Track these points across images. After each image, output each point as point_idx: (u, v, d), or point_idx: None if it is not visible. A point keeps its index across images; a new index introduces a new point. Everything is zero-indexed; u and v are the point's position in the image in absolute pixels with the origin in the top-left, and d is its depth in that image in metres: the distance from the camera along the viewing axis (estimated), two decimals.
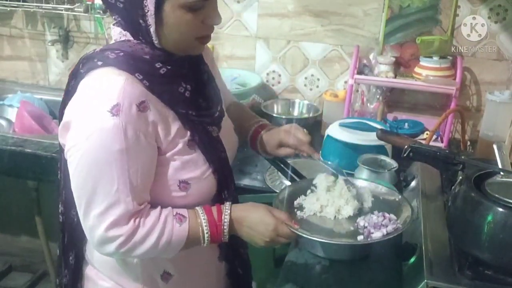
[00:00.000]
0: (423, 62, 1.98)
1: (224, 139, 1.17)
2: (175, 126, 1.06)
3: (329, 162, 1.67)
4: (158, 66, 1.03)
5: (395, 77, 2.00)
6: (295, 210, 1.26)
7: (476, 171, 1.21)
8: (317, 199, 1.25)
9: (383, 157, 1.66)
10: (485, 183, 1.15)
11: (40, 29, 2.46)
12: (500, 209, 1.07)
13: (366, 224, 1.18)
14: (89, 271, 1.21)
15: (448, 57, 1.98)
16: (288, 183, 1.49)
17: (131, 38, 1.04)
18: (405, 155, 1.41)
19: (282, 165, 1.44)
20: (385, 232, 1.15)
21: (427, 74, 1.95)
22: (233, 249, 1.25)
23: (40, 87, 2.52)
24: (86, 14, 2.16)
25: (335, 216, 1.22)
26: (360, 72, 2.03)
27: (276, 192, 1.56)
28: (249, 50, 2.25)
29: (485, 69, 2.04)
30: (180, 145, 1.07)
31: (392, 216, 1.20)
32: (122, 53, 1.01)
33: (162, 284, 1.17)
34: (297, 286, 1.24)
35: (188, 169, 1.08)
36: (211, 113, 1.13)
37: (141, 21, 0.99)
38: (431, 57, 1.96)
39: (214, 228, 1.07)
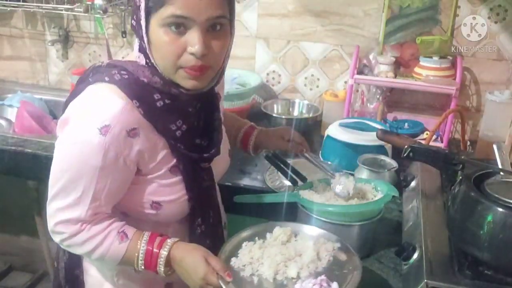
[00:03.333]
0: (423, 62, 1.98)
1: (215, 164, 1.20)
2: (162, 153, 1.10)
3: (329, 163, 1.67)
4: (156, 98, 1.05)
5: (395, 77, 2.00)
6: (233, 257, 1.14)
7: (476, 171, 1.21)
8: (249, 251, 1.15)
9: (383, 157, 1.66)
10: (485, 183, 1.16)
11: (40, 29, 2.46)
12: (500, 209, 1.07)
13: None
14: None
15: (448, 57, 1.98)
16: (288, 183, 1.49)
17: (142, 61, 1.06)
18: (405, 155, 1.41)
19: (282, 165, 1.44)
20: None
21: (427, 74, 1.94)
22: None
23: (40, 87, 2.52)
24: (86, 14, 2.16)
25: (275, 276, 1.09)
26: (360, 72, 2.03)
27: (275, 192, 1.56)
28: (249, 50, 2.25)
29: (485, 69, 2.04)
30: (163, 170, 1.11)
31: (334, 285, 1.05)
32: (127, 75, 1.05)
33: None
34: None
35: (164, 192, 1.12)
36: (204, 153, 1.15)
37: (141, 41, 1.03)
38: (431, 57, 1.96)
39: (148, 258, 1.08)
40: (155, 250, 1.08)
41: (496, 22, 1.97)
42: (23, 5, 2.24)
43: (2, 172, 1.91)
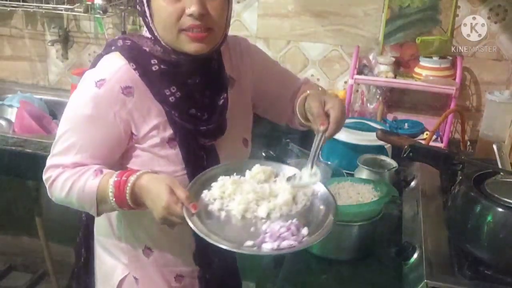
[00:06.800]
0: (423, 62, 1.98)
1: (222, 147, 1.19)
2: (156, 119, 1.13)
3: (329, 162, 1.67)
4: (153, 63, 1.11)
5: (395, 77, 2.00)
6: (205, 190, 1.09)
7: (476, 171, 1.22)
8: (222, 186, 1.08)
9: (383, 157, 1.66)
10: (485, 183, 1.16)
11: (40, 29, 2.46)
12: (500, 209, 1.07)
13: (268, 230, 1.00)
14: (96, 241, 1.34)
15: (448, 57, 1.98)
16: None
17: (147, 35, 1.13)
18: (405, 155, 1.41)
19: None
20: (275, 246, 0.96)
21: (427, 74, 1.95)
22: (206, 255, 1.25)
23: (40, 87, 2.52)
24: (86, 14, 2.16)
25: (243, 214, 1.04)
26: (360, 72, 2.03)
27: None
28: None
29: (485, 69, 2.04)
30: (157, 139, 1.13)
31: (304, 230, 1.00)
32: (129, 42, 1.14)
33: (143, 258, 1.26)
34: (297, 286, 1.24)
35: (161, 163, 1.14)
36: (202, 124, 1.14)
37: (144, 17, 1.10)
38: (431, 57, 1.96)
39: (117, 188, 1.07)
40: (123, 178, 1.07)
41: (496, 22, 1.97)
42: (23, 5, 2.24)
43: (2, 172, 1.91)
